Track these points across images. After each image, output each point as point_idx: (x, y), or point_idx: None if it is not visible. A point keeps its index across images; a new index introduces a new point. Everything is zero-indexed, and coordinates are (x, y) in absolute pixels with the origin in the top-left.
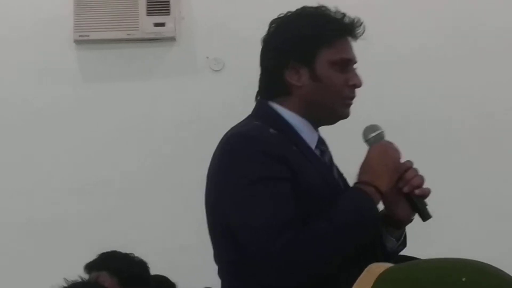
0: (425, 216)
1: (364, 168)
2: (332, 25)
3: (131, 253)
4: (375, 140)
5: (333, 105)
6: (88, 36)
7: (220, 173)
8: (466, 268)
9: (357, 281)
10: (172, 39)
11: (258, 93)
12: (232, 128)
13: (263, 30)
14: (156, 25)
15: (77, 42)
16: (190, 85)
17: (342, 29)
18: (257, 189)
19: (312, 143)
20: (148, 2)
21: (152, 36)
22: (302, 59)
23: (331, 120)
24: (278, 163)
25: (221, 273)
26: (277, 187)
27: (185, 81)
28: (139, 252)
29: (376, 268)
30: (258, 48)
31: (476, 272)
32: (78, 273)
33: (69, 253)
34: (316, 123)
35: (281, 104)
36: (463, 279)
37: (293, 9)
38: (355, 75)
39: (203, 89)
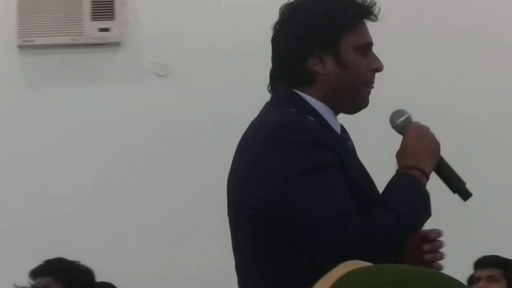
0: (465, 195)
1: (406, 152)
2: (352, 9)
3: (76, 261)
4: (405, 124)
5: (358, 91)
6: (32, 41)
7: (272, 163)
8: (423, 283)
9: (326, 275)
10: (117, 44)
11: (276, 79)
12: (266, 117)
13: (209, 36)
14: (101, 30)
15: (21, 47)
16: (135, 90)
17: (362, 12)
18: (319, 177)
19: (337, 131)
20: (93, 7)
21: (96, 41)
22: (327, 47)
23: (354, 108)
24: (328, 151)
25: (253, 273)
26: (334, 175)
27: (130, 86)
28: (85, 259)
29: (347, 267)
30: (204, 53)
31: (427, 286)
32: (24, 279)
33: (16, 259)
34: (336, 112)
35: (305, 92)
36: None
37: (237, 14)
38: (377, 59)
39: (148, 94)
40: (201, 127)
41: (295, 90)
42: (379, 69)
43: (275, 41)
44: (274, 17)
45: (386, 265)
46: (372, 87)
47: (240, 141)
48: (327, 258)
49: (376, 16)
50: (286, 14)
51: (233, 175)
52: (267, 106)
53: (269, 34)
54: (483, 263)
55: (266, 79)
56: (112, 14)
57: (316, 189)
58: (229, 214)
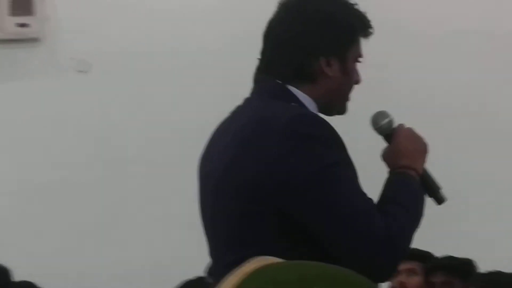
0: (440, 200)
1: (400, 152)
2: (361, 21)
3: None
4: (388, 126)
5: (345, 99)
6: None
7: (295, 157)
8: (327, 279)
9: (236, 270)
10: (36, 40)
11: (265, 71)
12: (269, 111)
13: (130, 32)
14: (19, 25)
15: None
16: (55, 86)
17: (367, 26)
18: (342, 172)
19: None
20: (11, 2)
21: (15, 37)
22: (338, 51)
23: (335, 112)
24: (344, 147)
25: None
26: (354, 170)
27: (50, 82)
28: (3, 257)
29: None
30: (125, 49)
31: (331, 282)
32: None
33: None
34: (321, 112)
35: (299, 88)
36: None
37: (158, 11)
38: (358, 72)
39: (68, 90)
40: (122, 124)
41: (288, 86)
42: (358, 81)
43: (282, 26)
44: (192, 17)
45: (294, 261)
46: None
47: (231, 134)
48: (349, 253)
49: (372, 34)
50: (295, 9)
51: (230, 170)
52: (256, 98)
53: (187, 34)
54: None
55: (186, 77)
56: (31, 10)
57: (340, 183)
58: (215, 211)
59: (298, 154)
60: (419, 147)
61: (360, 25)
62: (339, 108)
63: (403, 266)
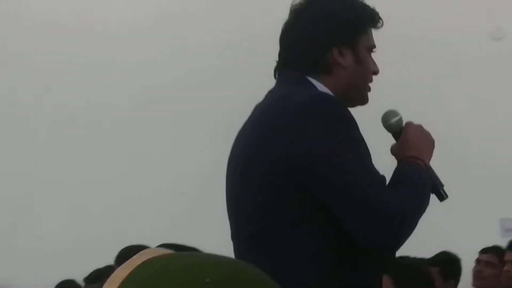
0: (441, 196)
1: (410, 145)
2: (369, 12)
3: None
4: (398, 124)
5: (363, 88)
6: None
7: (312, 132)
8: (217, 268)
9: (125, 262)
10: None
11: (286, 65)
12: (289, 94)
13: None
14: None
15: None
16: None
17: (376, 17)
18: (357, 148)
19: None
20: None
21: None
22: (349, 42)
23: (358, 103)
24: (357, 126)
25: (269, 243)
26: (366, 149)
27: None
28: None
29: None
30: None
31: (225, 273)
32: None
33: None
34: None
35: (318, 80)
36: (207, 280)
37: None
38: (375, 63)
39: None
40: None
41: (308, 77)
42: (376, 72)
43: (295, 26)
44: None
45: (184, 252)
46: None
47: (254, 120)
48: (361, 225)
49: (381, 24)
50: (305, 11)
51: (254, 152)
52: (277, 88)
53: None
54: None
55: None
56: None
57: (356, 157)
58: (234, 185)
59: (316, 129)
60: (427, 142)
61: (366, 16)
62: (359, 98)
63: None
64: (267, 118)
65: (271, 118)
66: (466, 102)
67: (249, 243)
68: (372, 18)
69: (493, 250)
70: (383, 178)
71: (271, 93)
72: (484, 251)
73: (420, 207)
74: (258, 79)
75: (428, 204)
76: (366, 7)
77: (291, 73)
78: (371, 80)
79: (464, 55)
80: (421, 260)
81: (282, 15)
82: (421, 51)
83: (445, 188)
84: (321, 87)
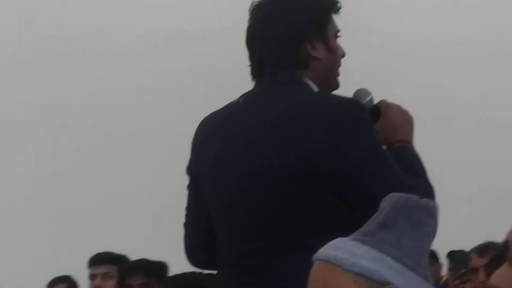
0: None
1: (395, 128)
2: (331, 0)
3: None
4: (371, 103)
5: (337, 75)
6: None
7: (351, 138)
8: None
9: None
10: None
11: (268, 65)
12: (307, 99)
13: None
14: None
15: None
16: None
17: (336, 3)
18: (386, 153)
19: None
20: None
21: None
22: (319, 33)
23: (333, 90)
24: None
25: (295, 252)
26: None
27: None
28: None
29: None
30: None
31: None
32: None
33: None
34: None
35: (303, 76)
36: None
37: None
38: (341, 46)
39: None
40: None
41: (296, 75)
42: (344, 54)
43: (263, 27)
44: None
45: None
46: None
47: (267, 124)
48: None
49: (340, 8)
50: (275, 3)
51: (276, 157)
52: (273, 88)
53: None
54: (96, 260)
55: None
56: None
57: (390, 161)
58: (250, 199)
59: (352, 135)
60: (408, 121)
61: (329, 5)
62: (334, 85)
63: (98, 270)
64: (290, 124)
65: (298, 125)
66: None
67: (266, 256)
68: (333, 5)
69: None
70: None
71: (266, 95)
72: None
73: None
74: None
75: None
76: None
77: (283, 73)
78: (340, 65)
79: None
80: None
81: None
82: None
83: None
84: (312, 85)
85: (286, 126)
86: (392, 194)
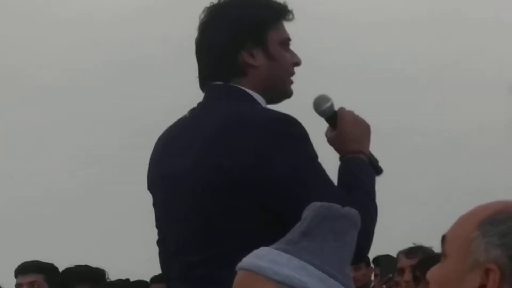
0: (379, 171)
1: (349, 138)
2: (275, 8)
3: None
4: (330, 109)
5: (285, 82)
6: None
7: (280, 155)
8: None
9: None
10: None
11: (208, 77)
12: (243, 112)
13: None
14: None
15: None
16: None
17: (283, 11)
18: (320, 166)
19: None
20: None
21: None
22: (257, 41)
23: (281, 98)
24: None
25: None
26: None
27: None
28: None
29: None
30: None
31: None
32: None
33: None
34: (267, 102)
35: (239, 84)
36: None
37: None
38: (295, 54)
39: None
40: None
41: (235, 85)
42: (298, 63)
43: (203, 39)
44: None
45: None
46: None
47: (206, 136)
48: None
49: (292, 16)
50: (213, 13)
51: (209, 170)
52: (215, 101)
53: None
54: (23, 269)
55: None
56: None
57: (321, 175)
58: (186, 211)
59: (281, 150)
60: (364, 130)
61: (272, 12)
62: (282, 92)
63: (25, 279)
64: (225, 137)
65: (232, 138)
66: None
67: (201, 271)
68: (279, 12)
69: None
70: (343, 192)
71: (210, 107)
72: None
73: (376, 209)
74: None
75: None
76: (271, 4)
77: (217, 85)
78: (292, 73)
79: None
80: None
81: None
82: None
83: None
84: (253, 93)
85: (218, 142)
86: (314, 203)
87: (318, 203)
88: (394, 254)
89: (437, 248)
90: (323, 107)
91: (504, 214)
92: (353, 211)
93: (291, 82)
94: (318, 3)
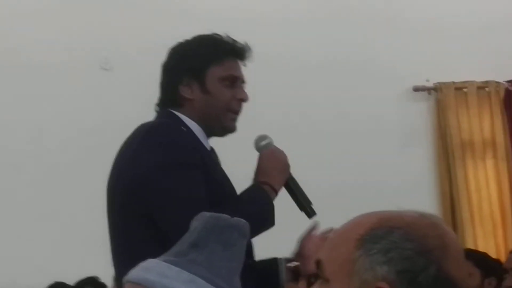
0: (310, 214)
1: (259, 171)
2: (221, 47)
3: None
4: (265, 147)
5: (220, 116)
6: None
7: (146, 158)
8: None
9: None
10: None
11: (157, 105)
12: (144, 125)
13: None
14: None
15: None
16: None
17: (232, 51)
18: (182, 172)
19: (207, 148)
20: None
21: None
22: (194, 75)
23: (220, 132)
24: (193, 153)
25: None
26: (194, 173)
27: None
28: None
29: None
30: None
31: None
32: None
33: None
34: (208, 134)
35: (180, 112)
36: None
37: None
38: (243, 91)
39: None
40: None
41: (171, 110)
42: (243, 99)
43: (161, 73)
44: None
45: None
46: (236, 116)
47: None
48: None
49: (245, 61)
50: (170, 51)
51: (112, 182)
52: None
53: None
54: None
55: None
56: None
57: (180, 182)
58: (109, 224)
59: (149, 156)
60: (277, 166)
61: (217, 50)
62: (220, 126)
63: None
64: (122, 149)
65: (124, 150)
66: None
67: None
68: (227, 51)
69: None
70: (203, 201)
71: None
72: None
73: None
74: None
75: (262, 220)
76: (220, 42)
77: (161, 110)
78: (233, 109)
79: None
80: None
81: None
82: None
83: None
84: (184, 118)
85: (119, 154)
86: (203, 213)
87: (207, 213)
88: None
89: None
90: (259, 144)
91: (382, 229)
92: (242, 221)
93: (232, 118)
94: None
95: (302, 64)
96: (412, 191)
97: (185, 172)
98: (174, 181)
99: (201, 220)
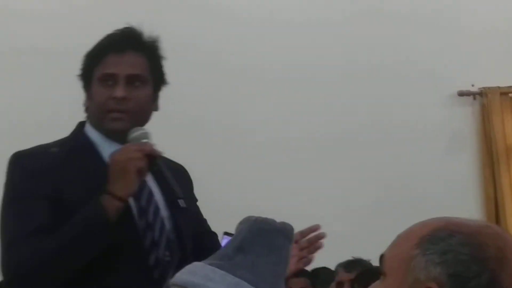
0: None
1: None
2: (100, 44)
3: None
4: (134, 139)
5: (101, 119)
6: None
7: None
8: None
9: None
10: None
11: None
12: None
13: None
14: None
15: None
16: None
17: (107, 46)
18: (15, 206)
19: (106, 157)
20: None
21: None
22: (85, 83)
23: (107, 132)
24: (39, 181)
25: None
26: (26, 203)
27: None
28: None
29: None
30: None
31: None
32: None
33: None
34: (111, 138)
35: (88, 120)
36: None
37: None
38: (118, 88)
39: None
40: None
41: (86, 121)
42: (115, 96)
43: None
44: None
45: None
46: (116, 115)
47: None
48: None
49: (118, 50)
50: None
51: None
52: None
53: None
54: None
55: None
56: None
57: (8, 217)
58: None
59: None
60: (115, 169)
61: (95, 51)
62: (105, 129)
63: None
64: None
65: None
66: None
67: None
68: (106, 46)
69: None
70: (21, 234)
71: None
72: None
73: (49, 255)
74: None
75: (84, 241)
76: (105, 39)
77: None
78: (106, 108)
79: None
80: None
81: None
82: None
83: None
84: (88, 127)
85: None
86: (248, 216)
87: (252, 217)
88: (331, 267)
89: (375, 261)
90: (131, 135)
91: (444, 231)
92: (288, 226)
93: (111, 118)
94: None
95: (345, 69)
96: (457, 196)
97: (17, 206)
98: (3, 219)
99: (246, 223)
